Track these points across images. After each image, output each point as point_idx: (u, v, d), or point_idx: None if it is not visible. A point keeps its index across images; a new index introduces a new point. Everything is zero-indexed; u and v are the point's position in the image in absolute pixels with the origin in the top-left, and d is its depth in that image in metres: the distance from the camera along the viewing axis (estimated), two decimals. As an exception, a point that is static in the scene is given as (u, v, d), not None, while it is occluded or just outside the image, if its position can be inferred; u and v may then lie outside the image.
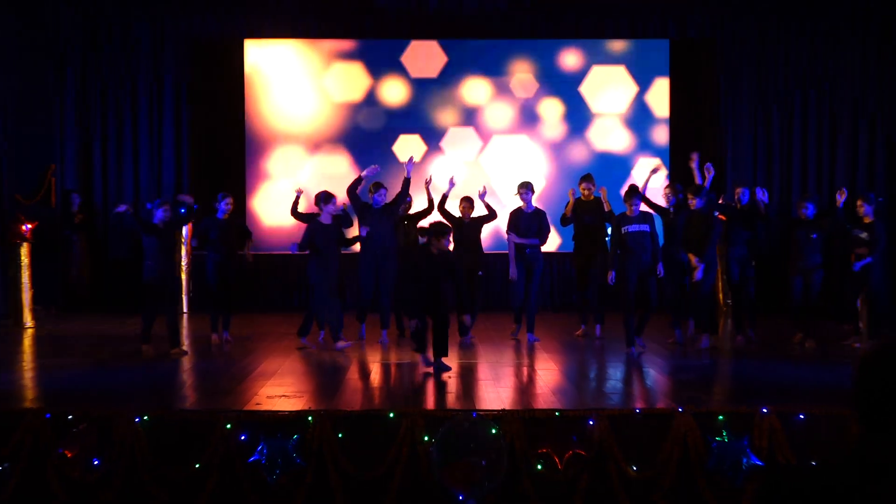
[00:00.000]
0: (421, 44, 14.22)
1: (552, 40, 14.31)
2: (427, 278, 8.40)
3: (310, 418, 6.53)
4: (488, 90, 14.20)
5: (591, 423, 6.51)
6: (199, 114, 14.46)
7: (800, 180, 14.16)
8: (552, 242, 12.40)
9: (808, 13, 13.96)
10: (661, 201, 10.67)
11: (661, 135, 14.27)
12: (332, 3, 14.01)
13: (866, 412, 2.04)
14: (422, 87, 14.19)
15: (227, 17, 14.29)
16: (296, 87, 14.22)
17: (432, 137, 14.19)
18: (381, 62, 14.20)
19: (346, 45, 14.28)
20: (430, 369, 8.34)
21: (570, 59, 14.25)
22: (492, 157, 14.17)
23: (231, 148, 14.38)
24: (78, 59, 14.06)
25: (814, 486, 1.97)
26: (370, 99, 14.20)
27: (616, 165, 14.10)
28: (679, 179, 14.18)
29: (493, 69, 14.20)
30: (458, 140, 14.19)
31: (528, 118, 14.23)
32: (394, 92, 14.18)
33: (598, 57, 14.26)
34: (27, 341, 10.53)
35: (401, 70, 14.20)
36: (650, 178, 10.73)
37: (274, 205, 14.16)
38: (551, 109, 14.23)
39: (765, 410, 6.54)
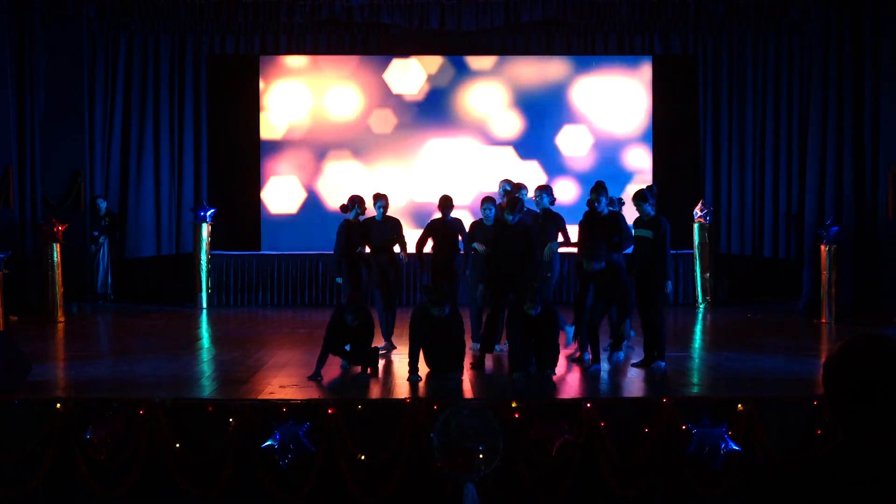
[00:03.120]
0: (420, 59, 14.20)
1: (544, 56, 14.31)
2: (425, 341, 7.45)
3: (320, 407, 6.52)
4: (483, 102, 14.17)
5: (580, 411, 6.50)
6: (217, 123, 14.49)
7: (773, 187, 14.21)
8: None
9: (785, 30, 14.01)
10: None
11: (643, 148, 14.23)
12: (340, 23, 13.99)
13: (838, 409, 2.00)
14: (419, 102, 14.17)
15: (244, 35, 14.33)
16: (306, 98, 14.19)
17: (429, 148, 14.17)
18: (385, 75, 14.18)
19: (353, 60, 14.27)
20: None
21: (559, 74, 14.22)
22: (483, 166, 14.12)
23: (246, 155, 14.36)
24: (104, 72, 14.08)
25: (797, 481, 1.93)
26: (374, 110, 14.18)
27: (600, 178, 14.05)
28: (661, 190, 14.20)
29: (490, 81, 14.17)
30: (447, 149, 14.16)
31: (522, 131, 14.19)
32: (393, 105, 14.17)
33: (585, 73, 14.23)
34: (58, 335, 10.52)
35: (402, 82, 14.18)
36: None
37: (286, 206, 14.17)
38: (541, 123, 14.20)
39: (742, 399, 6.53)
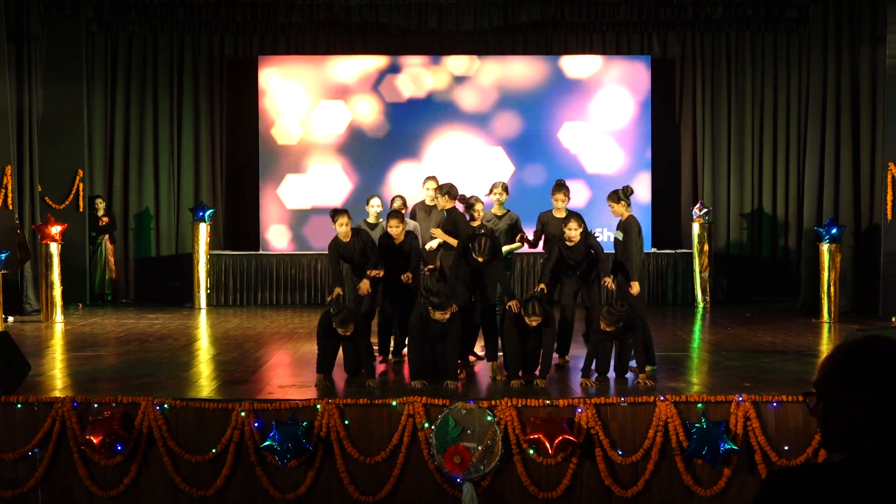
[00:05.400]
0: (419, 59, 14.19)
1: (543, 56, 14.31)
2: (424, 343, 7.25)
3: (318, 407, 6.52)
4: (481, 102, 14.16)
5: (579, 411, 6.50)
6: (215, 123, 14.51)
7: (771, 187, 14.22)
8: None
9: (783, 29, 14.02)
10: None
11: (642, 148, 14.22)
12: (338, 23, 14.01)
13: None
14: (418, 101, 14.16)
15: (242, 35, 14.36)
16: (304, 98, 14.19)
17: (428, 150, 14.16)
18: (384, 75, 14.17)
19: (351, 60, 14.26)
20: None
21: (557, 74, 14.21)
22: (481, 167, 14.11)
23: (245, 155, 14.40)
24: (103, 71, 14.10)
25: (813, 486, 1.90)
26: (372, 110, 14.16)
27: (600, 183, 14.06)
28: (661, 189, 14.23)
29: (488, 81, 14.16)
30: (446, 156, 14.15)
31: (520, 131, 14.18)
32: (390, 105, 14.15)
33: (583, 73, 14.22)
34: (57, 335, 10.51)
35: (400, 82, 14.17)
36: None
37: (283, 207, 14.16)
38: (540, 124, 14.19)
39: (740, 398, 6.53)
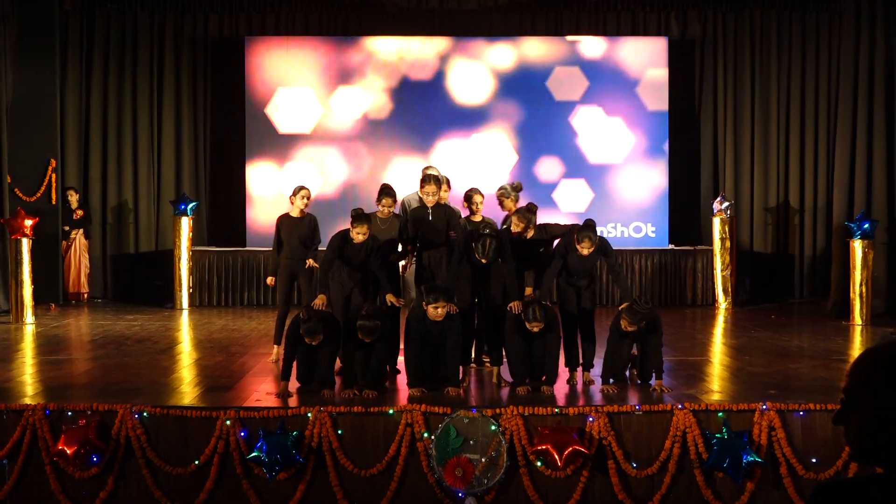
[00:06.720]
0: (420, 40, 14.17)
1: (552, 37, 14.28)
2: (423, 345, 7.20)
3: (309, 415, 6.51)
4: (485, 87, 14.14)
5: (590, 420, 6.49)
6: (199, 109, 14.49)
7: (798, 179, 14.18)
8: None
9: (812, 8, 13.99)
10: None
11: (659, 136, 14.19)
12: (332, 2, 14.00)
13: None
14: (418, 86, 14.14)
15: (228, 14, 14.33)
16: (295, 82, 14.16)
17: (428, 139, 14.14)
18: (379, 58, 14.14)
19: (346, 41, 14.24)
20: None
21: (567, 55, 14.18)
22: (485, 154, 14.10)
23: (230, 143, 14.38)
24: (78, 54, 14.09)
25: (862, 500, 1.87)
26: (368, 94, 14.15)
27: (613, 172, 14.04)
28: (678, 183, 14.21)
29: (493, 63, 14.13)
30: (448, 144, 14.14)
31: (527, 116, 14.17)
32: (391, 87, 14.14)
33: (596, 55, 14.19)
34: (28, 337, 10.51)
35: (400, 65, 14.14)
36: None
37: (274, 200, 14.15)
38: (549, 108, 14.17)
39: (764, 407, 6.52)
